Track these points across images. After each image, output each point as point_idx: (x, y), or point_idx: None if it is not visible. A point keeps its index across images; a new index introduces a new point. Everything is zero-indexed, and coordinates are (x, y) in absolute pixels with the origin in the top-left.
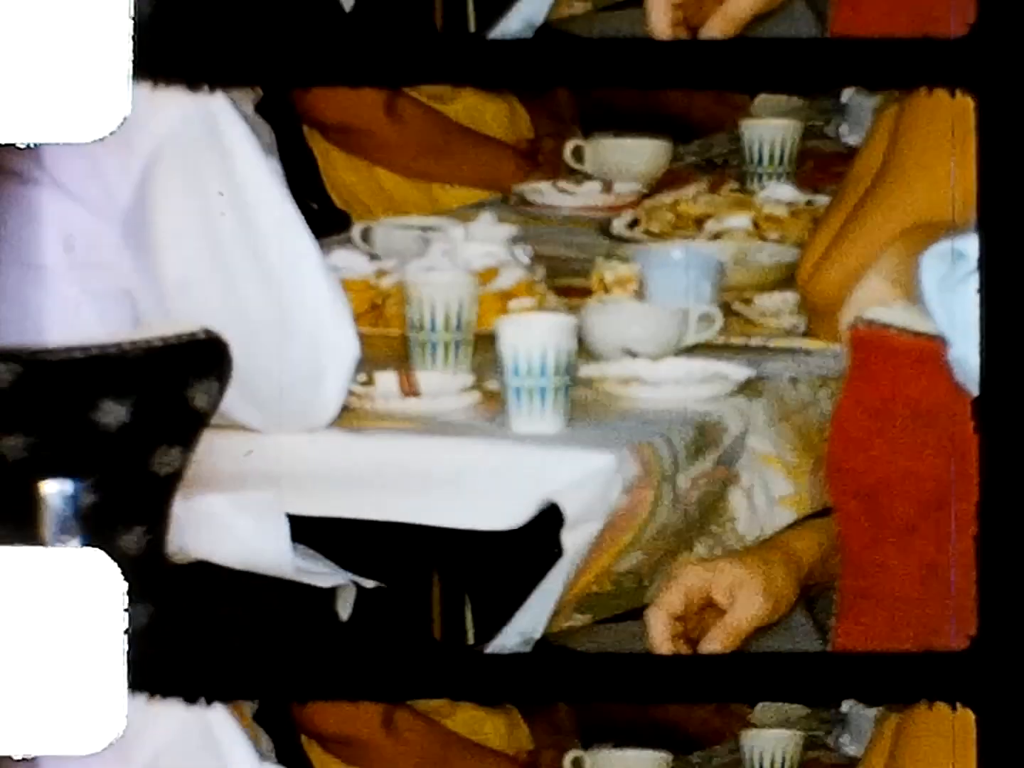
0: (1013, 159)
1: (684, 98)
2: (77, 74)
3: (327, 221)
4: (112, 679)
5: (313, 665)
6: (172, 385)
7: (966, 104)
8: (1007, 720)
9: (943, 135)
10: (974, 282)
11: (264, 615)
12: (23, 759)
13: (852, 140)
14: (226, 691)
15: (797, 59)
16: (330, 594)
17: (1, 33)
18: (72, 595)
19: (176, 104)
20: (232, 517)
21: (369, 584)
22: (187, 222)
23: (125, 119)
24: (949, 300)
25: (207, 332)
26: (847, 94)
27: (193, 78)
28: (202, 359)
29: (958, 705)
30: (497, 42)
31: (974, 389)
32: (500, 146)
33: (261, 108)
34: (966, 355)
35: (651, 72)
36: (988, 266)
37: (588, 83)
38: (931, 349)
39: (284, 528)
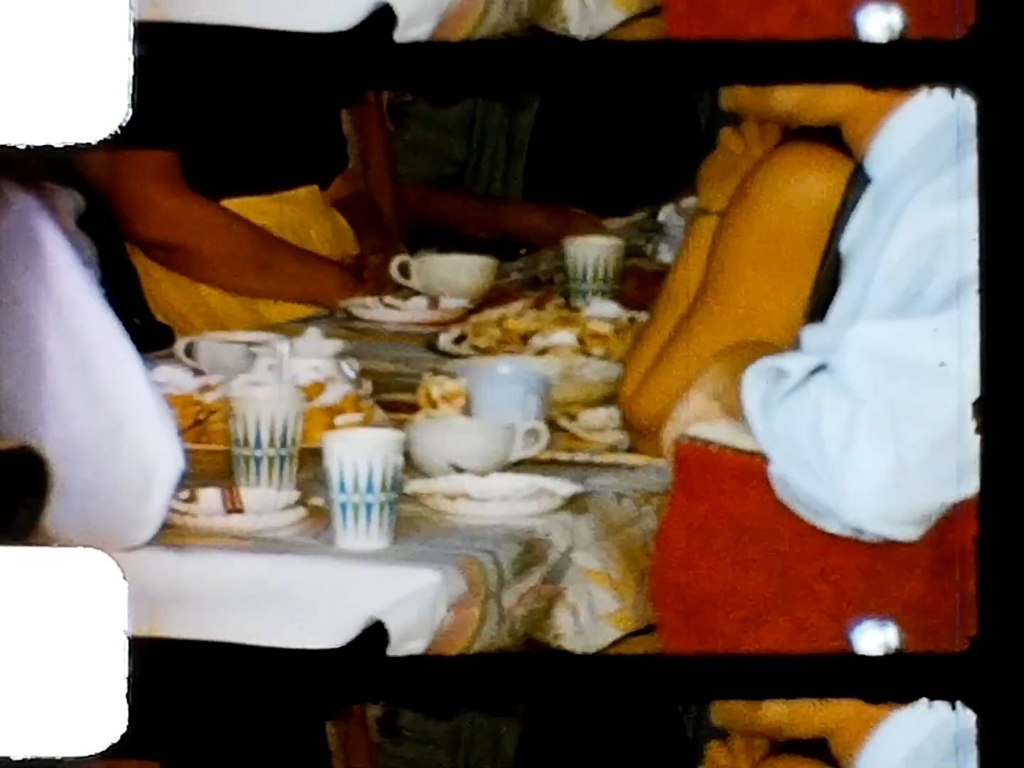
0: (1013, 159)
1: (511, 216)
2: (77, 75)
3: (149, 336)
4: (112, 679)
5: None
6: None
7: (802, 214)
8: (1007, 720)
9: (766, 253)
10: (795, 400)
11: None
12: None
13: (669, 259)
14: None
15: (797, 59)
16: None
17: (1, 34)
18: (72, 595)
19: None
20: None
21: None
22: (9, 337)
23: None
24: (770, 417)
25: (26, 447)
26: (664, 212)
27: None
28: (21, 475)
29: (959, 705)
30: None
31: (795, 506)
32: (325, 262)
33: (83, 222)
34: (787, 472)
35: (649, 72)
36: (988, 266)
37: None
38: (753, 466)
39: None
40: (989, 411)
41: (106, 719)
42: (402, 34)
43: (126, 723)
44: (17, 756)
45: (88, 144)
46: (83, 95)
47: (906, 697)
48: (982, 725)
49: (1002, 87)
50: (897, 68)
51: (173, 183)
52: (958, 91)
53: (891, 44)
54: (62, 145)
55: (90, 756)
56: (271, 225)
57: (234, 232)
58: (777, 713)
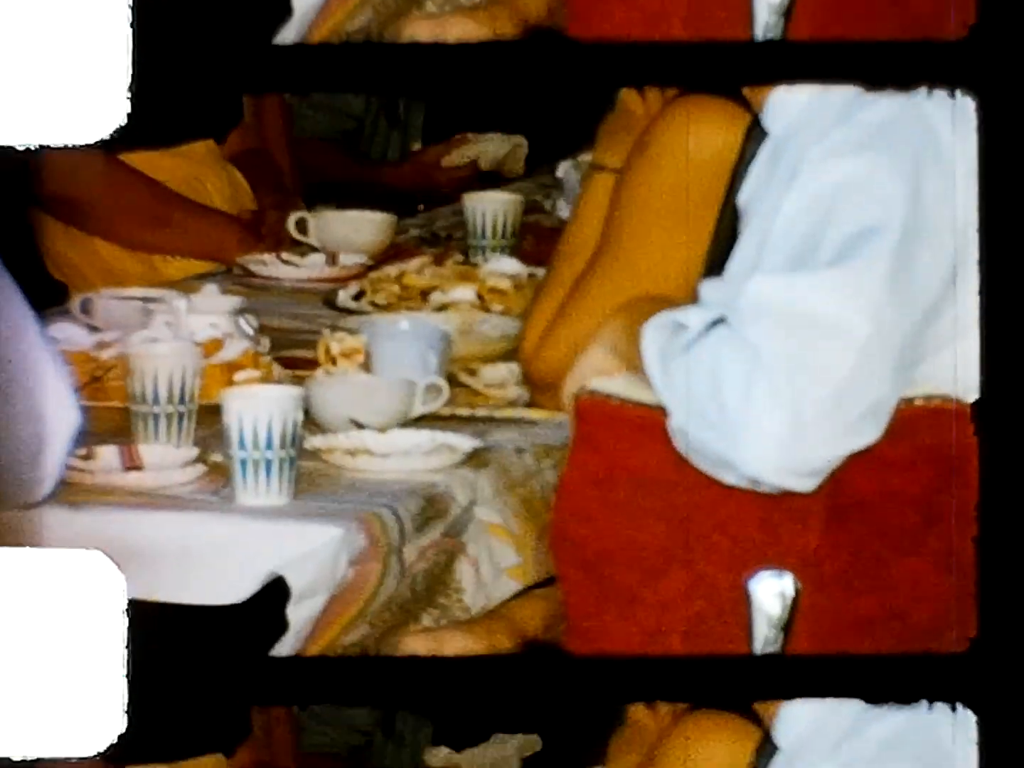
0: (1013, 160)
1: (405, 172)
2: (76, 75)
3: (44, 293)
4: (111, 680)
5: None
6: None
7: (700, 167)
8: (1008, 721)
9: (664, 207)
10: (694, 353)
11: None
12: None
13: (568, 214)
14: None
15: (797, 59)
16: None
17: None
18: (71, 596)
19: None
20: None
21: None
22: None
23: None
24: (670, 370)
25: None
26: (562, 168)
27: None
28: None
29: (959, 706)
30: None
31: (693, 458)
32: (223, 217)
33: None
34: (685, 425)
35: (646, 72)
36: (988, 267)
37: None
38: (652, 419)
39: None
40: (989, 411)
41: (105, 720)
42: None
43: None
44: (16, 757)
45: (85, 144)
46: (80, 95)
47: (905, 698)
48: (982, 726)
49: (1002, 88)
50: (896, 68)
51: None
52: (958, 92)
53: (890, 44)
54: (60, 145)
55: (89, 757)
56: (167, 179)
57: (130, 186)
58: None
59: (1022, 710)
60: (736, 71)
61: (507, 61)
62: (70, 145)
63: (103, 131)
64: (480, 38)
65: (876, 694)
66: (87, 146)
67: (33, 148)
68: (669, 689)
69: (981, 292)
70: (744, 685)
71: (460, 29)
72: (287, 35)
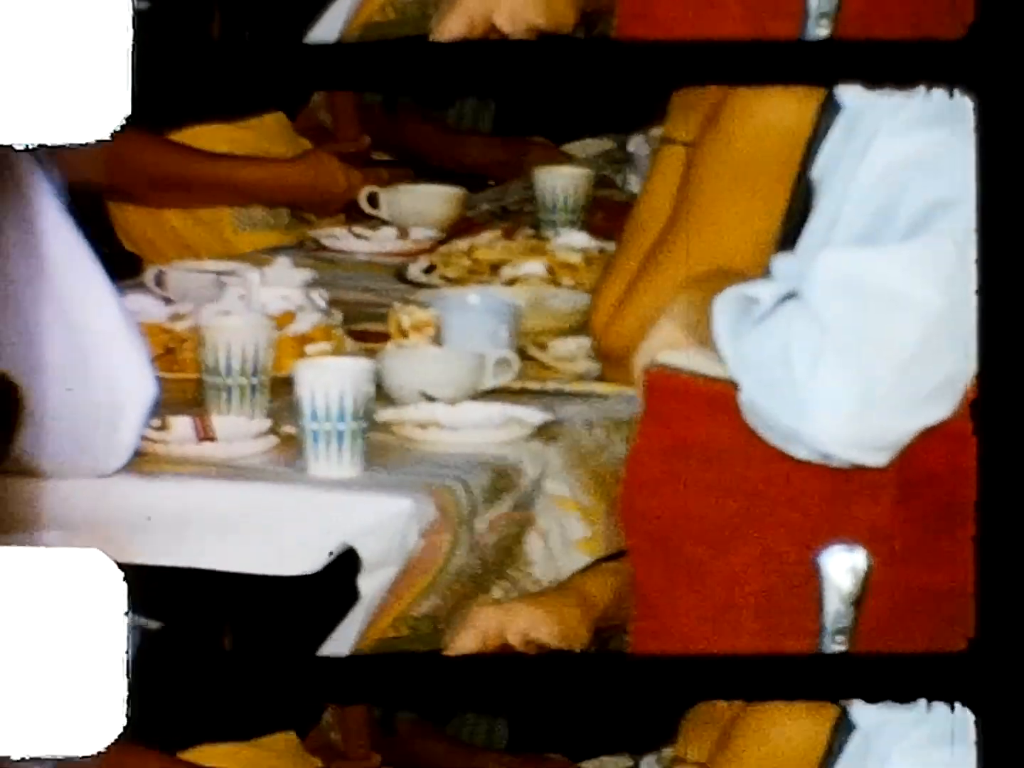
0: (1013, 160)
1: (472, 150)
2: (76, 74)
3: (117, 265)
4: (112, 680)
5: None
6: None
7: (773, 141)
8: (1007, 721)
9: (736, 180)
10: (765, 326)
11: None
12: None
13: (638, 189)
14: None
15: (797, 59)
16: None
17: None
18: (71, 596)
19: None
20: None
21: (153, 625)
22: None
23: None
24: (740, 344)
25: None
26: (634, 143)
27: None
28: None
29: (957, 706)
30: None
31: (764, 432)
32: (316, 153)
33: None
34: (756, 398)
35: (646, 72)
36: (988, 268)
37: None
38: (723, 393)
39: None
40: (989, 411)
41: (106, 719)
42: None
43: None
44: (16, 756)
45: (86, 144)
46: (81, 94)
47: (905, 697)
48: (981, 726)
49: (1001, 87)
50: (895, 68)
51: None
52: (957, 91)
53: (890, 44)
54: (60, 144)
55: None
56: (239, 152)
57: (155, 158)
58: None
59: (1022, 710)
60: (731, 71)
61: (559, 59)
62: (70, 144)
63: (104, 131)
64: (533, 8)
65: (875, 693)
66: (89, 143)
67: (33, 147)
68: (668, 691)
69: (980, 292)
70: (743, 686)
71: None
72: (341, 4)
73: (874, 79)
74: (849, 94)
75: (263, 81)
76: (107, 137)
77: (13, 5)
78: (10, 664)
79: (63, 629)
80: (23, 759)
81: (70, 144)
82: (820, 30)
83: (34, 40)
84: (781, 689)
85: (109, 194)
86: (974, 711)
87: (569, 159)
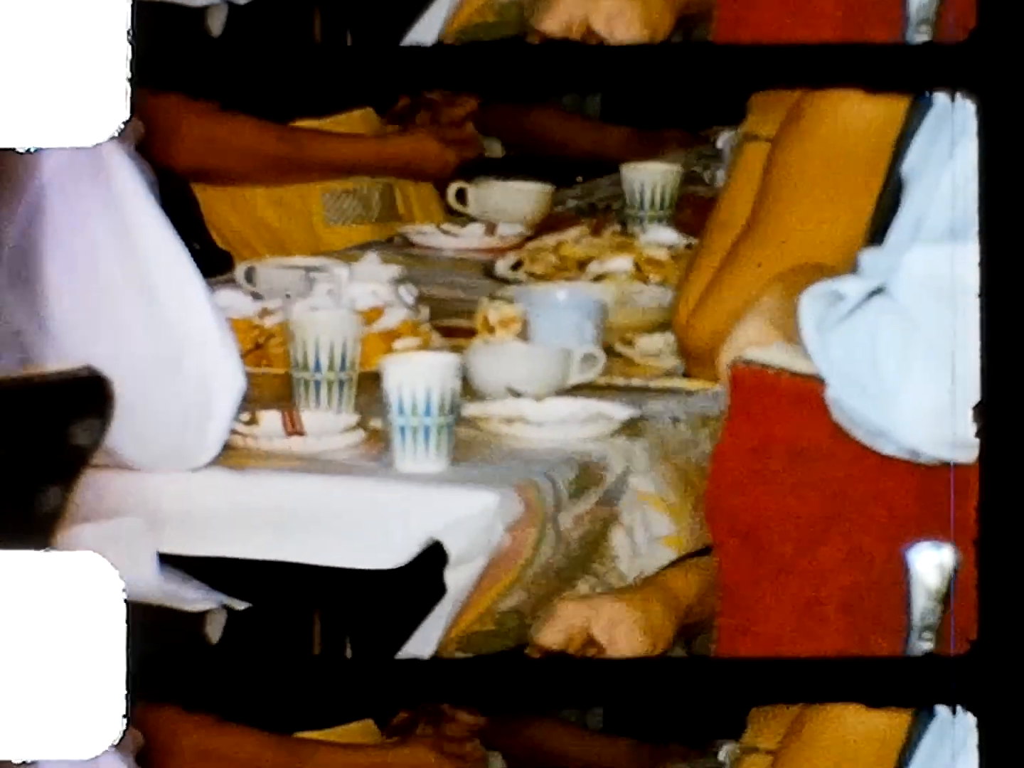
0: (1014, 162)
1: (598, 135)
2: (75, 76)
3: (209, 261)
4: (111, 683)
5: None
6: (53, 423)
7: (858, 136)
8: (1008, 724)
9: (818, 175)
10: (852, 323)
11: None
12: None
13: None
14: None
15: (797, 61)
16: (199, 616)
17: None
18: (71, 598)
19: (64, 144)
20: (96, 545)
21: (240, 606)
22: (74, 262)
23: (124, 122)
24: (827, 341)
25: (89, 369)
26: (723, 139)
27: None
28: (84, 396)
29: (959, 709)
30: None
31: (851, 429)
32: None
33: (142, 148)
34: (843, 395)
35: (648, 73)
36: (988, 270)
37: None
38: (809, 389)
39: (150, 555)
40: (989, 412)
41: (104, 723)
42: None
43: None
44: (16, 759)
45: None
46: (81, 98)
47: (905, 701)
48: (982, 729)
49: (1002, 91)
50: (897, 71)
51: (199, 111)
52: (959, 94)
53: (891, 48)
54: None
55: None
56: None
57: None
58: None
59: (1022, 713)
60: (731, 73)
61: (656, 61)
62: (70, 146)
63: (104, 132)
64: (630, 14)
65: (876, 696)
66: (213, 114)
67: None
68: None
69: (981, 294)
70: (739, 687)
71: (611, 5)
72: (439, 5)
73: (874, 82)
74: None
75: (354, 83)
76: (106, 138)
77: (12, 5)
78: (9, 667)
79: (63, 631)
80: (24, 763)
81: (70, 145)
82: (920, 36)
83: (34, 40)
84: (782, 690)
85: (202, 177)
86: (975, 714)
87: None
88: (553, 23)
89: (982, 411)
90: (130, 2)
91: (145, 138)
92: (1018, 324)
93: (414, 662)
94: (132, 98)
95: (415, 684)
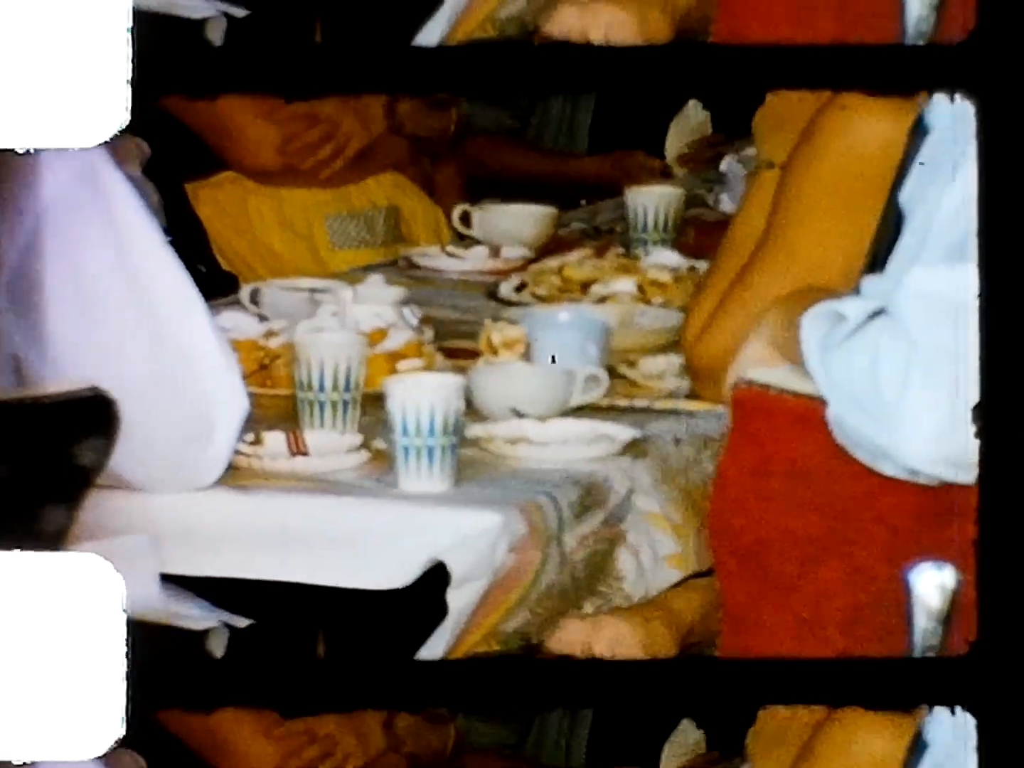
0: (1014, 164)
1: (575, 168)
2: (75, 78)
3: (215, 283)
4: (111, 684)
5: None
6: (57, 442)
7: (865, 161)
8: (1008, 725)
9: (828, 199)
10: (853, 343)
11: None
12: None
13: (730, 209)
14: None
15: (797, 62)
16: (202, 632)
17: None
18: (70, 599)
19: (63, 166)
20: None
21: (242, 623)
22: (74, 285)
23: (123, 125)
24: (829, 360)
25: (94, 389)
26: (725, 162)
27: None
28: (88, 417)
29: (959, 710)
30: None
31: (852, 449)
32: None
33: (148, 170)
34: (844, 415)
35: (650, 74)
36: (988, 272)
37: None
38: (810, 410)
39: (153, 573)
40: (989, 412)
41: (104, 724)
42: None
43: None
44: (16, 760)
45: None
46: (80, 100)
47: (906, 703)
48: (982, 730)
49: (1002, 92)
50: (896, 73)
51: (258, 111)
52: (958, 96)
53: (890, 49)
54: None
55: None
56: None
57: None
58: None
59: (1022, 713)
60: (731, 75)
61: (652, 64)
62: (69, 147)
63: (104, 133)
64: (628, 26)
65: (876, 699)
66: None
67: (33, 150)
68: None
69: (981, 295)
70: (739, 689)
71: (609, 16)
72: (439, 19)
73: (873, 84)
74: (938, 116)
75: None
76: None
77: (12, 6)
78: (9, 669)
79: (63, 632)
80: (24, 763)
81: (69, 146)
82: (919, 38)
83: (34, 40)
84: (781, 690)
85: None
86: (975, 715)
87: (671, 173)
88: (552, 36)
89: (982, 430)
90: (131, 6)
91: (172, 156)
92: (1018, 344)
93: (414, 663)
94: (132, 103)
95: (415, 685)
